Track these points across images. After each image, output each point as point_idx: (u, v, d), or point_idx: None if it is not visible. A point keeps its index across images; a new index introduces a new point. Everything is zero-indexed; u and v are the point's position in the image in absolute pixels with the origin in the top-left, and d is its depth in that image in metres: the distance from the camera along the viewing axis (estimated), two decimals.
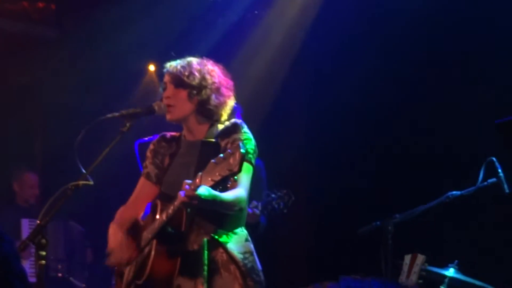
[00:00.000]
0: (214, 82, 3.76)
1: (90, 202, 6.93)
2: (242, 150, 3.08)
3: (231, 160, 3.09)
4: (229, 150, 3.13)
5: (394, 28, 6.47)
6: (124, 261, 3.74)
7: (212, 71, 3.80)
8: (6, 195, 7.51)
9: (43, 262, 3.31)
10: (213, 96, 3.75)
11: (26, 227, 7.05)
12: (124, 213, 3.89)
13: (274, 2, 7.35)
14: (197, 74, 3.75)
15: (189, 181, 3.29)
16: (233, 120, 3.81)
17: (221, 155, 3.16)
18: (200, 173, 3.24)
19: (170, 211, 3.47)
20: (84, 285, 7.34)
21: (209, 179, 3.18)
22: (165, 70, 3.85)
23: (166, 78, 3.82)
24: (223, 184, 3.29)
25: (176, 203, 3.41)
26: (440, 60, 6.32)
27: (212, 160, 3.19)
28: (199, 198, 3.28)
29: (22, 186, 7.43)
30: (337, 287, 5.15)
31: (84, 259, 7.44)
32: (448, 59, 6.24)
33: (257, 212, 5.60)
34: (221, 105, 3.80)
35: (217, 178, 3.17)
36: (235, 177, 3.34)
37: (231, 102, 3.85)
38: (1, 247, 1.82)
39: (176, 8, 7.46)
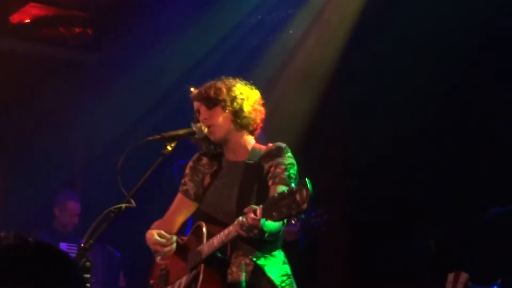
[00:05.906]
0: (241, 93, 3.83)
1: (122, 226, 6.89)
2: (310, 189, 3.01)
3: (297, 197, 3.02)
4: (293, 185, 3.08)
5: (427, 50, 6.40)
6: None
7: (236, 84, 3.87)
8: (45, 218, 7.49)
9: (88, 285, 3.33)
10: (245, 104, 3.80)
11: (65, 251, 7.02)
12: (160, 227, 3.87)
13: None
14: (223, 88, 3.81)
15: (251, 210, 3.26)
16: (277, 143, 3.80)
17: (285, 189, 3.10)
18: (260, 206, 3.21)
19: (224, 238, 3.46)
20: None
21: (274, 213, 3.12)
22: (191, 98, 3.92)
23: (196, 105, 3.88)
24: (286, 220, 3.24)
25: (233, 231, 3.39)
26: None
27: (275, 194, 3.15)
28: (261, 230, 3.27)
29: (62, 212, 7.36)
30: None
31: (117, 285, 7.38)
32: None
33: (296, 229, 5.58)
34: (255, 111, 3.85)
35: (283, 215, 3.10)
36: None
37: (262, 110, 3.89)
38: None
39: (212, 29, 7.47)
